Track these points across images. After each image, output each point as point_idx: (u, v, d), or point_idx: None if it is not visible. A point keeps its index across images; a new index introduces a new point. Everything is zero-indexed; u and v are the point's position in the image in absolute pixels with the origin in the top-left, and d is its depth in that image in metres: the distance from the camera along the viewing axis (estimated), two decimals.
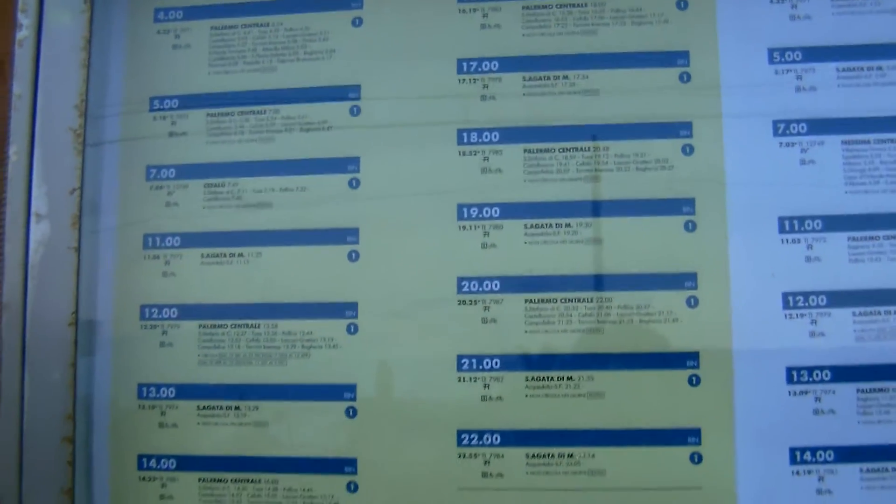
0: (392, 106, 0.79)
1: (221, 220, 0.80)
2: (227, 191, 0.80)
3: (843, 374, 0.72)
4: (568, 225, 0.76)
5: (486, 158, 0.78)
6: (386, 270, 0.77)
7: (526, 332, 0.75)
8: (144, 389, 0.79)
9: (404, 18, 0.81)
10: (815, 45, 0.76)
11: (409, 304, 0.76)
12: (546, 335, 0.75)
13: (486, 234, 0.77)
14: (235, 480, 0.77)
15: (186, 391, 0.78)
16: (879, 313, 0.73)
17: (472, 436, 0.75)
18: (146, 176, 0.82)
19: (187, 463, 0.78)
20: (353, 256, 0.78)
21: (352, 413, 0.76)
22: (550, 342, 0.75)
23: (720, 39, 0.77)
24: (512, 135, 0.78)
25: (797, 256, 0.74)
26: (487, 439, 0.74)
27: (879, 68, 0.76)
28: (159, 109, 0.82)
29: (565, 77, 0.78)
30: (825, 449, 0.72)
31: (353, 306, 0.77)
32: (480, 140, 0.78)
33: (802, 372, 0.72)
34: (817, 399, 0.72)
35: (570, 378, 0.74)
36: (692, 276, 0.74)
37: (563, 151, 0.77)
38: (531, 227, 0.76)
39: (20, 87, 0.78)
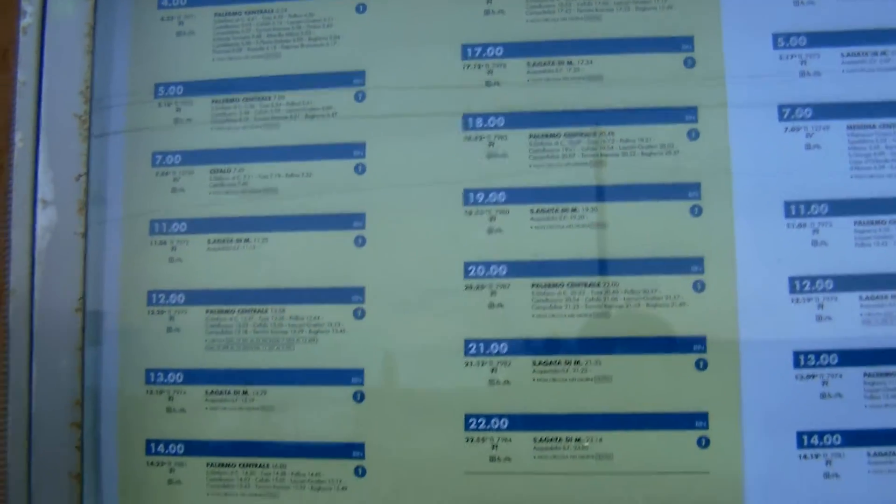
0: (397, 92, 0.80)
1: (227, 206, 0.80)
2: (232, 177, 0.80)
3: (849, 357, 0.72)
4: (574, 210, 0.76)
5: (491, 144, 0.78)
6: (392, 255, 0.77)
7: (533, 316, 0.75)
8: (152, 375, 0.79)
9: (408, 4, 0.81)
10: (819, 30, 0.76)
11: (415, 289, 0.77)
12: (553, 320, 0.75)
13: (493, 219, 0.77)
14: (243, 465, 0.77)
15: (194, 376, 0.79)
16: (886, 297, 0.73)
17: (479, 420, 0.75)
18: (152, 162, 0.82)
19: (195, 448, 0.78)
20: (360, 242, 0.78)
21: (359, 398, 0.76)
22: (557, 327, 0.75)
23: (724, 25, 0.77)
24: (517, 120, 0.78)
25: (803, 241, 0.74)
26: (495, 423, 0.75)
27: (884, 53, 0.75)
28: (164, 96, 0.82)
29: (570, 62, 0.78)
30: (832, 433, 0.72)
31: (359, 291, 0.77)
32: (486, 125, 0.78)
33: (809, 356, 0.73)
34: (824, 383, 0.72)
35: (577, 362, 0.74)
36: (698, 261, 0.74)
37: (569, 136, 0.77)
38: (537, 211, 0.76)
39: (25, 74, 0.78)
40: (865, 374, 0.72)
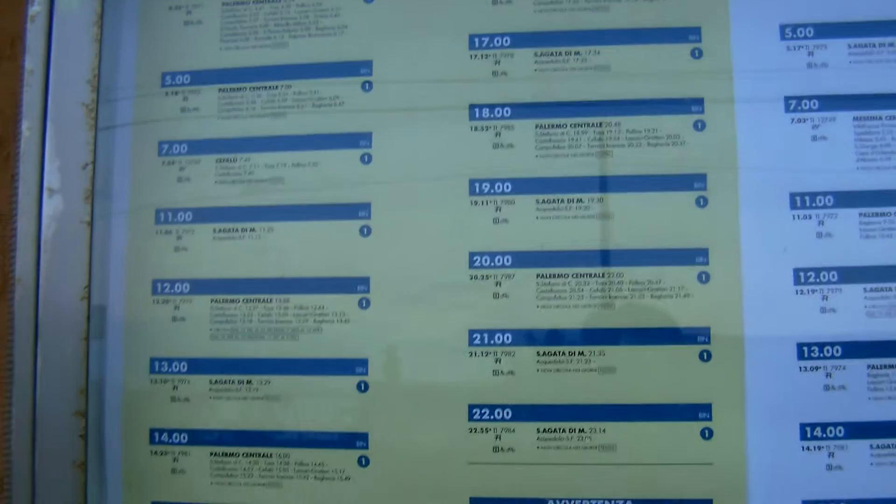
0: (403, 82, 0.80)
1: (233, 196, 0.80)
2: (239, 166, 0.81)
3: (853, 350, 0.72)
4: (580, 200, 0.76)
5: (497, 134, 0.78)
6: (398, 245, 0.77)
7: (537, 307, 0.75)
8: (156, 364, 0.79)
9: None
10: (826, 21, 0.76)
11: (420, 280, 0.77)
12: (558, 310, 0.75)
13: (498, 209, 0.77)
14: (247, 454, 0.78)
15: (198, 366, 0.79)
16: (891, 289, 0.73)
17: (483, 410, 0.75)
18: (158, 151, 0.82)
19: (199, 437, 0.78)
20: (365, 231, 0.78)
21: (363, 387, 0.76)
22: (562, 317, 0.75)
23: (732, 16, 0.77)
24: (524, 110, 0.78)
25: (808, 232, 0.74)
26: (499, 414, 0.75)
27: (891, 45, 0.76)
28: (171, 85, 0.83)
29: (577, 53, 0.78)
30: (835, 425, 0.72)
31: (364, 281, 0.77)
32: (492, 116, 0.78)
33: (813, 348, 0.73)
34: (828, 375, 0.72)
35: (581, 353, 0.74)
36: (703, 252, 0.74)
37: (575, 127, 0.77)
38: (543, 202, 0.76)
39: (32, 62, 0.79)
40: (869, 367, 0.72)
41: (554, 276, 0.75)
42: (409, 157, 0.78)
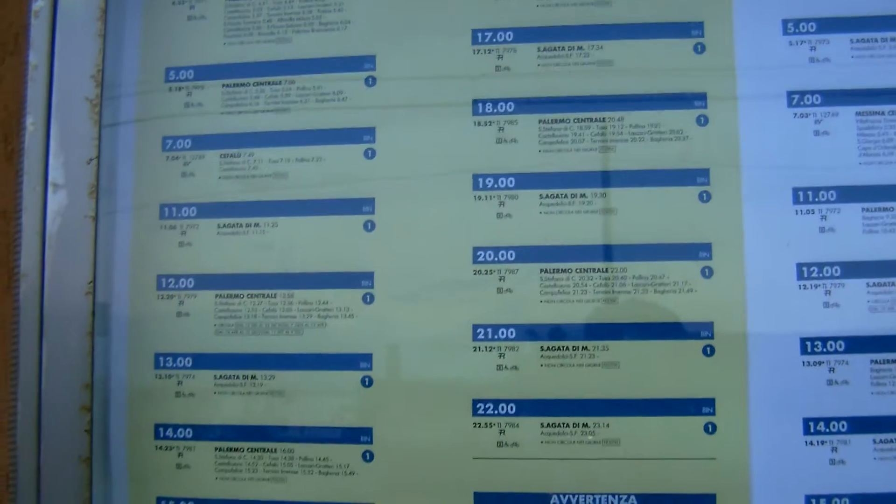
0: (407, 77, 0.80)
1: (237, 191, 0.81)
2: (242, 161, 0.81)
3: (856, 344, 0.72)
4: (583, 195, 0.76)
5: (501, 129, 0.78)
6: (401, 240, 0.78)
7: (541, 301, 0.75)
8: (161, 359, 0.80)
9: None
10: (829, 15, 0.76)
11: (424, 275, 0.77)
12: (561, 305, 0.75)
13: (502, 204, 0.77)
14: (251, 450, 0.78)
15: (203, 361, 0.79)
16: (894, 284, 0.73)
17: (487, 405, 0.75)
18: (162, 147, 0.82)
19: (203, 432, 0.79)
20: (369, 226, 0.78)
21: (367, 382, 0.77)
22: (565, 312, 0.75)
23: (735, 11, 0.77)
24: (527, 105, 0.78)
25: (811, 227, 0.74)
26: (502, 409, 0.75)
27: (894, 39, 0.76)
28: (175, 80, 0.83)
29: (580, 48, 0.78)
30: (839, 419, 0.72)
31: (368, 276, 0.78)
32: (495, 110, 0.78)
33: (816, 343, 0.73)
34: (831, 370, 0.72)
35: (585, 348, 0.75)
36: (707, 247, 0.74)
37: (578, 122, 0.77)
38: (546, 197, 0.77)
39: (36, 57, 0.79)
40: (872, 361, 0.72)
41: (557, 271, 0.76)
42: (413, 151, 0.79)
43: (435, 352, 0.76)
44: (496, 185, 0.77)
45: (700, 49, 0.77)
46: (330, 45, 0.81)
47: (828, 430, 0.72)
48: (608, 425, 0.74)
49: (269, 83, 0.81)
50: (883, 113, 0.75)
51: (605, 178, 0.76)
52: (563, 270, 0.75)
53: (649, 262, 0.75)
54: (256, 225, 0.80)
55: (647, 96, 0.77)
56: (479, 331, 0.76)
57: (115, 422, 0.79)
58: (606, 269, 0.75)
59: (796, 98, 0.75)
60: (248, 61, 0.82)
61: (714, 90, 0.76)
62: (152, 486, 0.79)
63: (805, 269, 0.73)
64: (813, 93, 0.75)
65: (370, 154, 0.79)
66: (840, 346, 0.73)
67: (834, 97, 0.75)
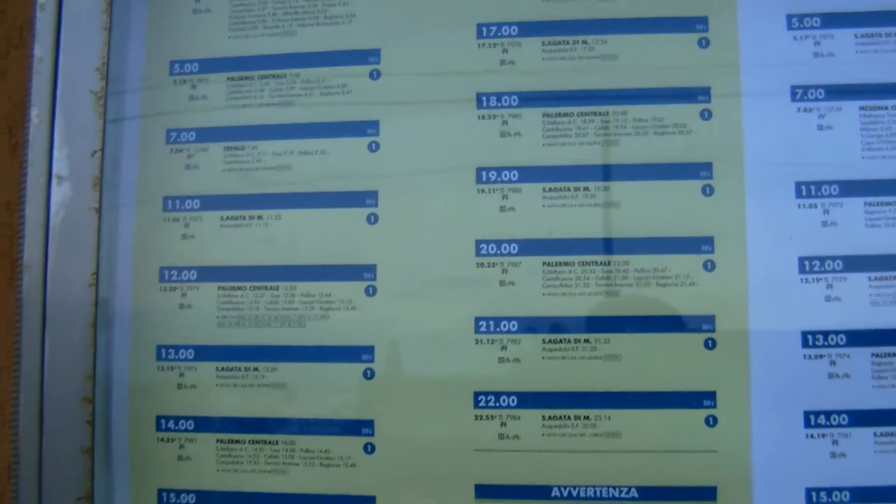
0: (411, 70, 0.80)
1: (241, 183, 0.81)
2: (246, 154, 0.81)
3: (858, 338, 0.73)
4: (586, 189, 0.76)
5: (505, 122, 0.78)
6: (405, 233, 0.78)
7: (543, 294, 0.76)
8: (163, 351, 0.80)
9: None
10: (833, 10, 0.76)
11: (427, 267, 0.77)
12: (563, 298, 0.75)
13: (505, 197, 0.77)
14: (253, 442, 0.78)
15: (205, 353, 0.79)
16: (895, 278, 0.73)
17: (488, 398, 0.75)
18: (166, 139, 0.82)
19: (205, 424, 0.79)
20: (372, 219, 0.78)
21: (369, 375, 0.77)
22: (567, 305, 0.75)
23: (739, 5, 0.77)
24: (531, 99, 0.78)
25: (814, 221, 0.74)
26: (504, 401, 0.75)
27: None
28: (180, 73, 0.83)
29: (584, 42, 0.78)
30: (839, 413, 0.72)
31: (371, 269, 0.78)
32: (499, 104, 0.78)
33: (818, 336, 0.73)
34: (832, 363, 0.73)
35: (586, 340, 0.75)
36: (709, 240, 0.75)
37: (582, 115, 0.77)
38: (549, 190, 0.77)
39: (41, 50, 0.79)
40: (873, 355, 0.72)
41: (560, 263, 0.76)
42: (417, 145, 0.79)
43: (437, 344, 0.76)
44: (499, 179, 0.77)
45: (704, 44, 0.77)
46: (335, 38, 0.81)
47: (829, 423, 0.72)
48: (609, 418, 0.74)
49: (273, 76, 0.81)
50: (886, 108, 0.75)
51: (609, 172, 0.76)
52: (566, 263, 0.76)
53: (652, 256, 0.75)
54: (260, 217, 0.80)
55: (650, 90, 0.77)
56: (481, 323, 0.76)
57: (117, 413, 0.79)
58: (609, 262, 0.75)
59: (800, 93, 0.76)
60: (253, 54, 0.82)
61: (718, 85, 0.76)
62: (154, 477, 0.79)
63: (807, 262, 0.74)
64: (817, 87, 0.76)
65: (374, 147, 0.79)
66: (841, 339, 0.73)
67: (837, 92, 0.75)
